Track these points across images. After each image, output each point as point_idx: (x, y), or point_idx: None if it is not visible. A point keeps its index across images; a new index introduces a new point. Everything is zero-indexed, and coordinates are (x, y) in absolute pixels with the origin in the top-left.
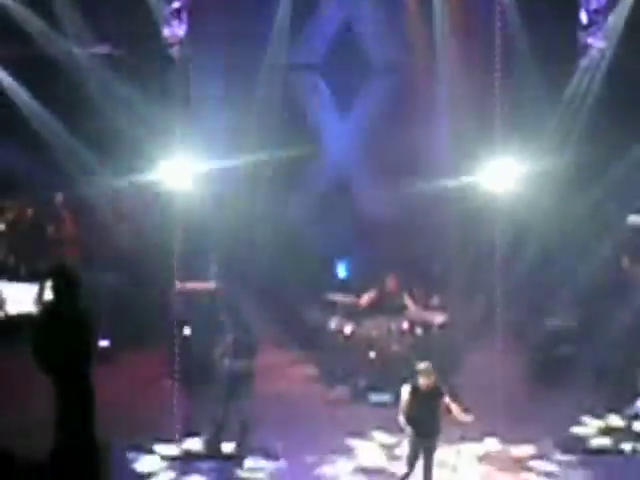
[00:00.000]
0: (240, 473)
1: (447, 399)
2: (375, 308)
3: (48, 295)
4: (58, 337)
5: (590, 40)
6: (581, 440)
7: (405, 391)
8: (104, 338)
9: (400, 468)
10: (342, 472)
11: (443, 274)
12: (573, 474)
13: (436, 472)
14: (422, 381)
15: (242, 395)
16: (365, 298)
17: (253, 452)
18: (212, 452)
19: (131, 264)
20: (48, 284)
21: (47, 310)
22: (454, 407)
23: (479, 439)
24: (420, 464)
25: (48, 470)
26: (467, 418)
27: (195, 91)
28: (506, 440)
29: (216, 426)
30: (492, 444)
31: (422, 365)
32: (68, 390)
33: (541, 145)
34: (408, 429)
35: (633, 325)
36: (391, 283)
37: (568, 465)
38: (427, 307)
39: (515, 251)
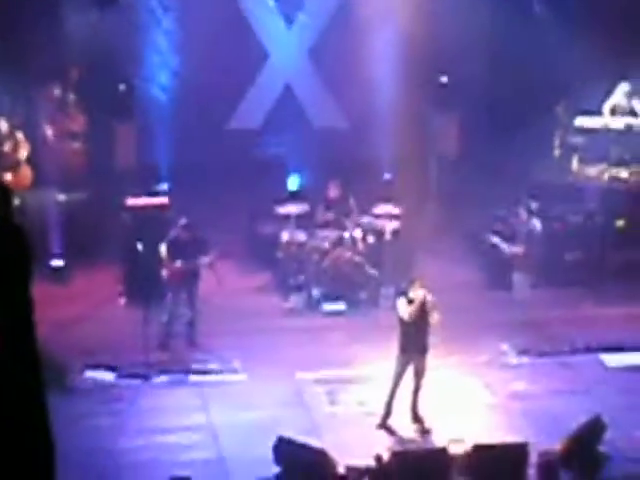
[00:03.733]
0: (203, 389)
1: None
2: (329, 217)
3: None
4: None
5: None
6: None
7: (402, 304)
8: (58, 257)
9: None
10: (301, 383)
11: (393, 180)
12: (529, 374)
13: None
14: (417, 292)
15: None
16: (318, 215)
17: (212, 364)
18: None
19: (84, 182)
20: None
21: None
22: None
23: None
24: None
25: None
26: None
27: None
28: (460, 344)
29: (164, 326)
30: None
31: (419, 274)
32: (7, 302)
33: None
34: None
35: (583, 225)
36: (332, 190)
37: (524, 366)
38: (380, 215)
39: (464, 157)
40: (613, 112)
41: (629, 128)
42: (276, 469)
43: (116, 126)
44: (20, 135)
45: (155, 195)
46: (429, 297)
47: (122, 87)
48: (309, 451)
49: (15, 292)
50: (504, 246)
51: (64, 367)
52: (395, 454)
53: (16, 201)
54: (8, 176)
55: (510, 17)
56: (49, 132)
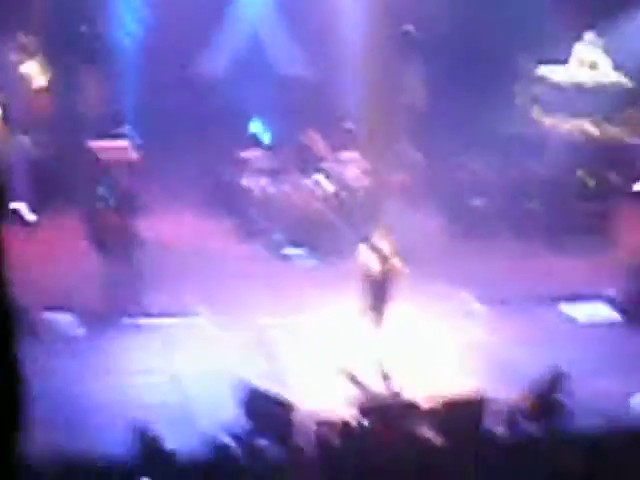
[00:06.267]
0: (164, 332)
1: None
2: (292, 163)
3: None
4: None
5: None
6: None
7: (364, 251)
8: (21, 201)
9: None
10: (263, 329)
11: (355, 129)
12: (488, 322)
13: None
14: (381, 240)
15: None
16: (282, 160)
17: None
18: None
19: (48, 124)
20: None
21: None
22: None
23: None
24: None
25: None
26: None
27: None
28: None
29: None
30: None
31: (382, 223)
32: None
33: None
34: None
35: (545, 176)
36: (308, 136)
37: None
38: (344, 161)
39: (432, 108)
40: (580, 63)
41: (592, 82)
42: (237, 412)
43: (80, 70)
44: None
45: (117, 138)
46: (392, 247)
47: (84, 28)
48: (270, 396)
49: None
50: None
51: (22, 309)
52: (363, 409)
53: None
54: None
55: None
56: (13, 76)
